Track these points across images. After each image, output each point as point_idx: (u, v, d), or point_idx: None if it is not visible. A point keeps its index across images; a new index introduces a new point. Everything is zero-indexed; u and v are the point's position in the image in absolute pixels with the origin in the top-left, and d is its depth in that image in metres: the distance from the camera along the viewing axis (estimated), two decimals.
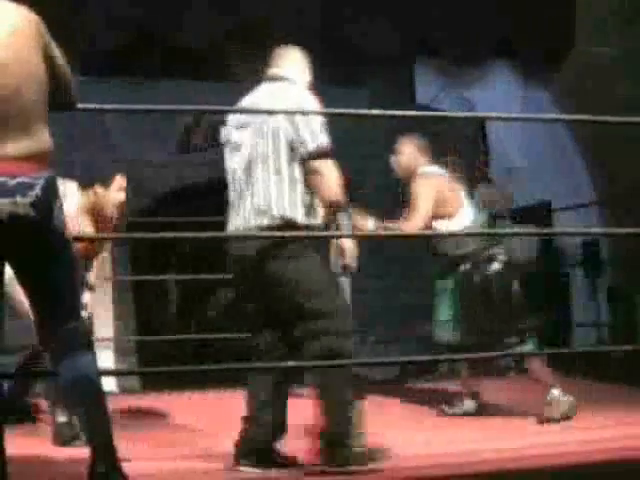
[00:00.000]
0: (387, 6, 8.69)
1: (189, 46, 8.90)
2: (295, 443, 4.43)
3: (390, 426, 5.11)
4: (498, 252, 6.13)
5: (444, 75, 9.76)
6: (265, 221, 4.33)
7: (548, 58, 9.35)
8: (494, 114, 7.94)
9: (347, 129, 8.42)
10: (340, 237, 4.33)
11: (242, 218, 4.39)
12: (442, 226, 5.97)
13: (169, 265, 10.74)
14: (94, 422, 3.42)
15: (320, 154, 4.34)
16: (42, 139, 3.38)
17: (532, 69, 9.78)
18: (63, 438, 5.14)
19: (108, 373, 6.87)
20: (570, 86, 9.19)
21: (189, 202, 9.59)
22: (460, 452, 4.47)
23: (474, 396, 6.17)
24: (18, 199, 3.28)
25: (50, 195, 3.36)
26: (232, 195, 4.47)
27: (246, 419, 4.41)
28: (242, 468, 4.30)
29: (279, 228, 4.31)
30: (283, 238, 4.28)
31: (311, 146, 4.34)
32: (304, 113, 4.37)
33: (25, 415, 5.69)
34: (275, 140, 4.37)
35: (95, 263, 5.70)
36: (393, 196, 6.72)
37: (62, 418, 5.18)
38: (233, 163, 4.47)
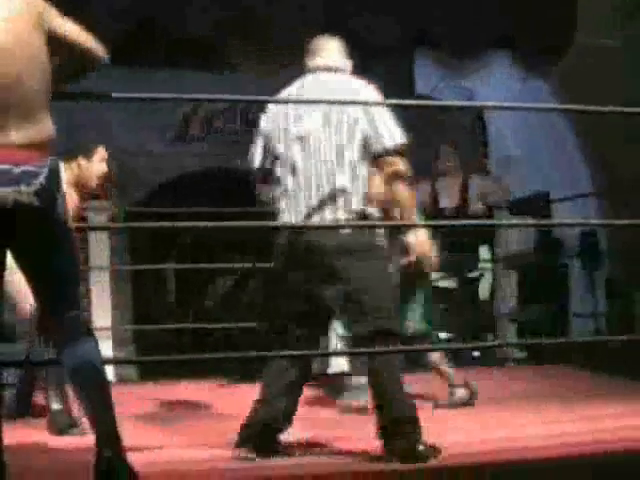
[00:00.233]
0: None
1: (190, 37, 8.91)
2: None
3: None
4: None
5: (444, 66, 9.76)
6: (343, 214, 4.27)
7: (548, 50, 9.35)
8: (492, 103, 7.93)
9: None
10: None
11: (308, 209, 4.28)
12: None
13: (167, 255, 10.73)
14: (98, 409, 3.42)
15: (397, 150, 4.35)
16: (45, 126, 3.37)
17: (532, 61, 9.78)
18: (58, 426, 5.14)
19: (106, 362, 6.86)
20: (569, 78, 9.19)
21: (187, 192, 9.58)
22: (456, 443, 4.46)
23: (466, 386, 6.14)
24: (22, 188, 3.27)
25: (53, 184, 3.35)
26: (290, 186, 4.32)
27: (258, 402, 4.37)
28: (241, 453, 4.28)
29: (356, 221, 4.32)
30: (354, 229, 4.27)
31: (389, 142, 4.33)
32: (306, 102, 4.37)
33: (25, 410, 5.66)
34: (351, 133, 4.32)
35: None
36: None
37: (56, 406, 5.17)
38: (294, 154, 4.33)
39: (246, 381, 7.26)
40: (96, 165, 5.50)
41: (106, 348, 8.17)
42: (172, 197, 9.41)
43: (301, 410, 4.43)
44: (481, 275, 9.58)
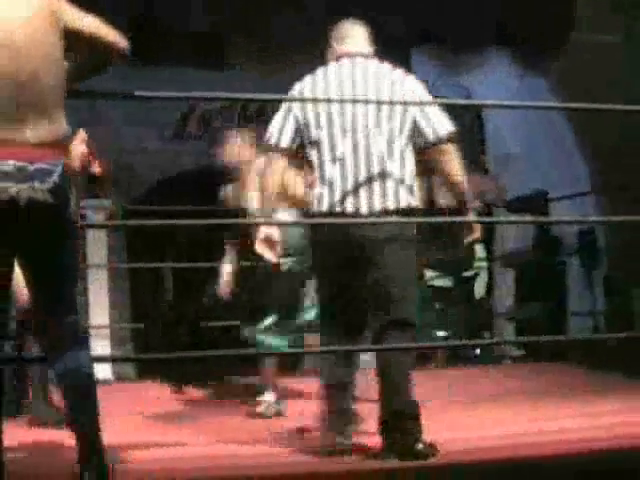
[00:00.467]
0: None
1: (191, 34, 8.92)
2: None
3: None
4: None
5: (441, 63, 9.77)
6: (392, 205, 4.23)
7: (546, 47, 9.34)
8: (491, 101, 7.93)
9: None
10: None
11: (353, 200, 4.22)
12: None
13: (165, 253, 10.72)
14: (85, 417, 3.40)
15: (450, 139, 4.35)
16: (60, 125, 3.38)
17: (530, 57, 9.77)
18: (42, 420, 5.17)
19: (104, 360, 6.87)
20: (568, 75, 9.19)
21: (185, 189, 9.58)
22: (454, 440, 4.46)
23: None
24: (37, 185, 3.27)
25: (66, 182, 3.36)
26: (333, 174, 4.24)
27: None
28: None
29: (404, 213, 4.26)
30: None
31: (442, 131, 4.33)
32: (306, 100, 4.35)
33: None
34: (403, 122, 4.29)
35: None
36: None
37: (40, 399, 5.21)
38: (338, 142, 4.25)
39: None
40: (77, 147, 5.52)
41: (104, 346, 8.18)
42: (170, 195, 9.39)
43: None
44: (477, 274, 9.58)
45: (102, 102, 8.42)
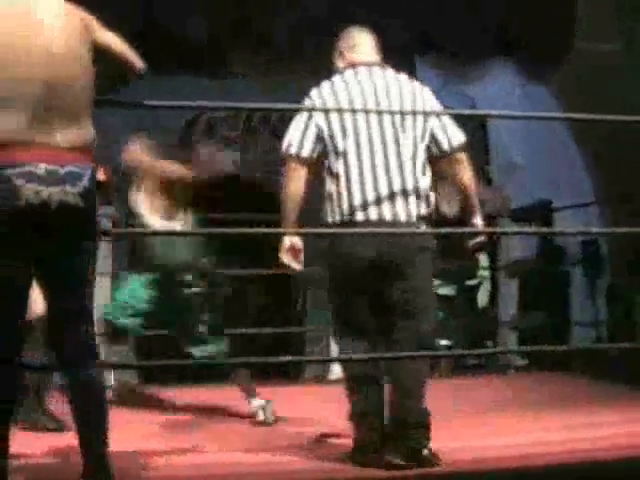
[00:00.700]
0: (389, 1, 8.69)
1: (192, 43, 8.92)
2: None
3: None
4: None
5: (445, 72, 9.77)
6: (415, 215, 4.27)
7: (549, 55, 9.35)
8: (496, 112, 7.93)
9: None
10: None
11: (378, 209, 4.23)
12: None
13: None
14: (93, 431, 3.39)
15: (462, 148, 4.40)
16: (88, 131, 3.40)
17: (533, 66, 9.77)
18: (38, 426, 5.18)
19: (106, 366, 6.87)
20: (570, 83, 9.19)
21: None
22: (456, 449, 4.46)
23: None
24: (68, 188, 3.28)
25: (94, 187, 3.37)
26: (361, 186, 4.23)
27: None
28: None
29: (428, 221, 4.33)
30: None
31: (456, 141, 4.37)
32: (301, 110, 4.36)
33: None
34: (423, 132, 4.33)
35: None
36: None
37: (36, 406, 5.23)
38: (363, 152, 4.24)
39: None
40: None
41: (106, 353, 8.17)
42: None
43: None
44: (480, 283, 9.57)
45: (103, 109, 8.42)
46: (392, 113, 4.29)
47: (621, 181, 8.99)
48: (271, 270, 10.01)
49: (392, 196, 4.23)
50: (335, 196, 4.28)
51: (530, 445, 4.57)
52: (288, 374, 9.31)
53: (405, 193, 4.25)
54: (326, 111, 4.31)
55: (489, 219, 9.19)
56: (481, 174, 9.82)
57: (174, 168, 6.26)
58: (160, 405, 6.63)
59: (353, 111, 4.28)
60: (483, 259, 9.43)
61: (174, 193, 6.22)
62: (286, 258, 4.37)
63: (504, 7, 9.12)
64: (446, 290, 8.80)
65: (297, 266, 4.38)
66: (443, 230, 4.55)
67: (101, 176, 6.72)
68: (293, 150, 4.31)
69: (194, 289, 6.14)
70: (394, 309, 4.28)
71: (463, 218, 4.62)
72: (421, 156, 4.32)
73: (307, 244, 4.45)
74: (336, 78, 4.42)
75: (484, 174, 10.12)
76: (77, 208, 3.31)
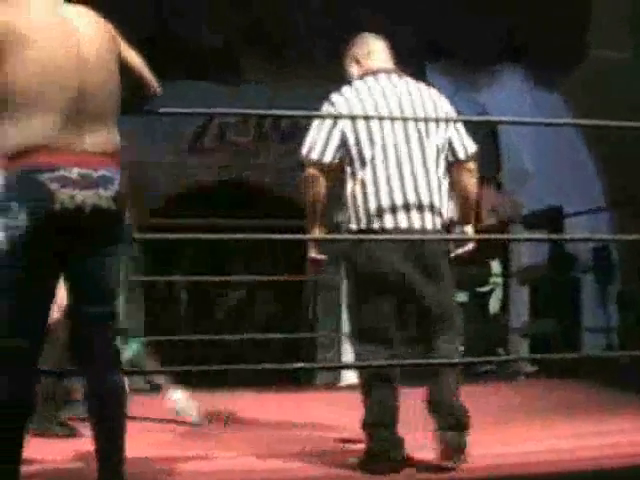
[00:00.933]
0: (398, 8, 8.69)
1: (204, 49, 8.94)
2: None
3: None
4: None
5: (456, 79, 9.76)
6: (439, 221, 4.32)
7: (560, 62, 9.34)
8: (509, 118, 7.93)
9: None
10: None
11: (406, 217, 4.25)
12: None
13: (179, 266, 10.75)
14: (112, 441, 3.38)
15: (475, 157, 4.44)
16: (116, 136, 3.42)
17: (544, 72, 9.77)
18: (49, 433, 5.20)
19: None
20: (580, 90, 9.19)
21: (200, 203, 9.61)
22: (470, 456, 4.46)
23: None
24: (101, 192, 3.29)
25: (124, 191, 3.38)
26: (389, 193, 4.24)
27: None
28: None
29: (447, 229, 4.38)
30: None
31: (471, 149, 4.42)
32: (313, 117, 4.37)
33: None
34: (444, 139, 4.36)
35: None
36: None
37: (46, 410, 5.24)
38: (392, 160, 4.27)
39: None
40: None
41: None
42: (185, 208, 9.43)
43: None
44: (492, 289, 9.58)
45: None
46: (418, 120, 4.31)
47: (631, 187, 8.98)
48: (283, 276, 10.14)
49: (419, 204, 4.26)
50: (361, 203, 4.28)
51: (540, 453, 4.57)
52: (299, 380, 9.33)
53: (431, 201, 4.29)
54: (352, 118, 4.30)
55: (501, 225, 9.23)
56: (492, 181, 9.84)
57: None
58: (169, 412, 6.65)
59: (380, 118, 4.29)
60: (495, 266, 9.44)
61: None
62: (314, 253, 4.44)
63: (514, 14, 9.11)
64: (457, 296, 8.81)
65: (323, 257, 4.43)
66: (454, 236, 4.53)
67: None
68: (315, 155, 4.30)
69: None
70: (424, 314, 4.34)
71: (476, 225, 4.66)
72: (442, 164, 4.36)
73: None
74: (358, 84, 4.41)
75: (495, 181, 10.13)
76: (110, 212, 3.32)
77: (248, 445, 5.09)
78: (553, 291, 9.41)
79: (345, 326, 9.28)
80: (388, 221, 4.24)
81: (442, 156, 4.37)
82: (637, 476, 4.11)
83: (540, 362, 8.94)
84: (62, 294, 3.51)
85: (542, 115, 9.16)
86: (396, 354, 4.34)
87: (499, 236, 9.03)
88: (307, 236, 4.47)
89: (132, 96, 3.56)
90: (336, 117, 4.31)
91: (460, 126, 4.43)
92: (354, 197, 4.29)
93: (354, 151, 4.27)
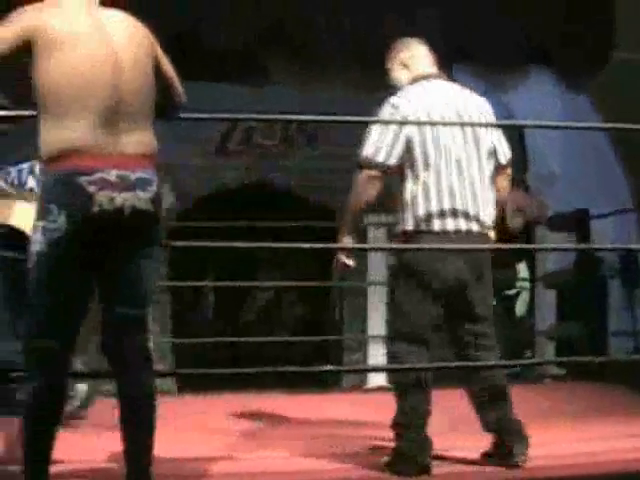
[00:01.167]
0: (424, 11, 8.70)
1: (229, 50, 8.95)
2: None
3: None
4: None
5: (482, 80, 9.74)
6: (488, 224, 4.42)
7: (587, 64, 9.32)
8: (532, 122, 7.92)
9: None
10: None
11: (465, 220, 4.32)
12: None
13: (206, 268, 10.78)
14: (141, 443, 3.39)
15: (511, 162, 4.56)
16: (152, 138, 3.44)
17: (571, 75, 9.74)
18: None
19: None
20: (607, 92, 9.16)
21: (227, 206, 9.63)
22: None
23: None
24: (139, 193, 3.31)
25: (161, 193, 3.40)
26: (451, 197, 4.32)
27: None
28: None
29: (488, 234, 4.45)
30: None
31: (508, 154, 4.54)
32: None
33: None
34: (488, 145, 4.44)
35: None
36: None
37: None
38: (454, 165, 4.33)
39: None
40: None
41: None
42: (212, 210, 9.45)
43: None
44: (518, 292, 9.56)
45: None
46: (473, 125, 4.41)
47: None
48: (310, 279, 10.15)
49: (477, 208, 4.35)
50: (422, 204, 4.32)
51: (569, 455, 4.56)
52: (326, 382, 9.35)
53: (484, 205, 4.38)
54: (401, 123, 4.34)
55: (528, 226, 9.20)
56: (519, 182, 9.82)
57: None
58: (197, 412, 6.67)
59: (429, 124, 4.35)
60: (522, 269, 9.42)
61: None
62: (343, 256, 4.46)
63: (542, 15, 9.10)
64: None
65: (352, 263, 4.46)
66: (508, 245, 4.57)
67: None
68: (381, 158, 4.33)
69: None
70: (470, 318, 4.41)
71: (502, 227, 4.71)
72: (489, 169, 4.45)
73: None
74: (414, 89, 4.47)
75: (522, 182, 10.10)
76: (149, 213, 3.34)
77: (274, 445, 5.11)
78: (579, 294, 9.37)
79: (372, 329, 9.30)
80: (449, 223, 4.31)
81: (491, 161, 4.45)
82: None
83: (567, 365, 8.91)
84: None
85: (570, 117, 9.14)
86: (434, 356, 4.39)
87: (532, 246, 9.02)
88: (359, 245, 4.52)
89: (160, 102, 3.58)
90: (378, 121, 4.38)
91: (502, 135, 4.53)
92: (414, 199, 4.33)
93: (418, 153, 4.32)
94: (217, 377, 6.97)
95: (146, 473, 3.37)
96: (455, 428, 5.07)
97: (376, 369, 9.36)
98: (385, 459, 4.36)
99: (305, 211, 9.88)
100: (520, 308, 9.60)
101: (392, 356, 4.46)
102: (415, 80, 4.50)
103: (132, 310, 3.42)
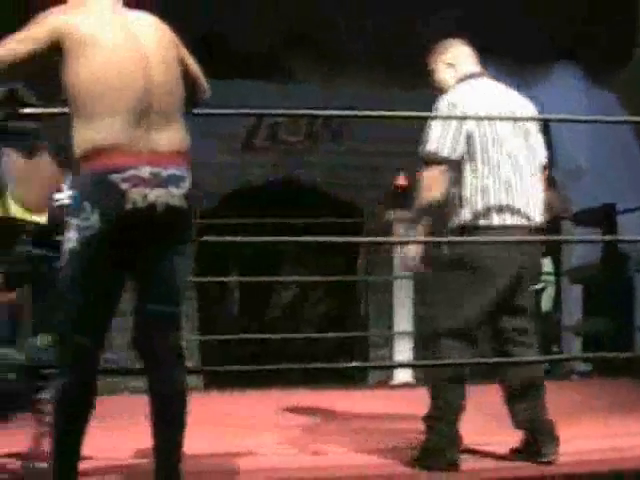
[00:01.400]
0: (448, 6, 8.69)
1: (253, 48, 8.98)
2: None
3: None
4: None
5: (508, 75, 9.72)
6: (540, 221, 4.47)
7: (611, 58, 9.30)
8: (556, 116, 7.89)
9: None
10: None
11: (520, 215, 4.37)
12: None
13: (232, 264, 10.80)
14: (172, 440, 3.39)
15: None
16: (184, 135, 3.44)
17: (596, 69, 9.72)
18: None
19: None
20: (632, 87, 9.13)
21: (252, 202, 9.65)
22: None
23: None
24: (172, 190, 3.31)
25: (191, 190, 3.40)
26: (507, 192, 4.35)
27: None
28: None
29: (541, 229, 4.50)
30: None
31: (546, 152, 4.61)
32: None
33: None
34: (536, 143, 4.54)
35: None
36: None
37: None
38: (509, 161, 4.39)
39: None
40: None
41: None
42: (238, 207, 9.47)
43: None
44: (544, 287, 9.52)
45: None
46: (524, 120, 4.49)
47: None
48: (335, 275, 10.16)
49: (531, 204, 4.41)
50: (481, 199, 4.35)
51: (595, 452, 4.55)
52: (353, 378, 9.36)
53: (538, 201, 4.46)
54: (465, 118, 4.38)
55: (553, 221, 9.16)
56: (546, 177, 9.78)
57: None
58: (223, 408, 6.70)
59: (516, 119, 4.46)
60: (547, 264, 9.38)
61: None
62: (411, 265, 4.50)
63: (566, 10, 9.08)
64: None
65: (422, 269, 4.50)
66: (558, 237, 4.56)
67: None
68: (446, 152, 4.35)
69: None
70: (516, 311, 4.45)
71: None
72: (537, 166, 4.51)
73: None
74: (464, 87, 4.49)
75: (549, 177, 10.07)
76: (181, 210, 3.33)
77: (302, 441, 5.13)
78: (605, 289, 9.34)
79: (398, 324, 9.30)
80: (508, 219, 4.34)
81: (537, 159, 4.52)
82: None
83: (593, 361, 8.89)
84: None
85: (596, 112, 9.10)
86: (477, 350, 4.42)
87: (565, 237, 8.97)
88: (391, 238, 4.50)
89: (186, 97, 3.60)
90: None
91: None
92: (474, 194, 4.36)
93: (478, 149, 4.35)
94: (243, 374, 7.00)
95: (176, 470, 3.37)
96: (486, 424, 5.07)
97: (402, 365, 9.38)
98: (414, 454, 4.37)
99: (330, 208, 9.89)
100: (546, 303, 9.57)
101: (434, 352, 4.40)
102: (462, 79, 4.54)
103: (165, 307, 3.42)
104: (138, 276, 3.42)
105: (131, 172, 3.24)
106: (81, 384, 3.36)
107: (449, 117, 4.34)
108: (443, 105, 4.41)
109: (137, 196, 3.24)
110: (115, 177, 3.22)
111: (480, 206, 4.33)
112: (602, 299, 9.28)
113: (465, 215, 4.36)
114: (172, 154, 3.35)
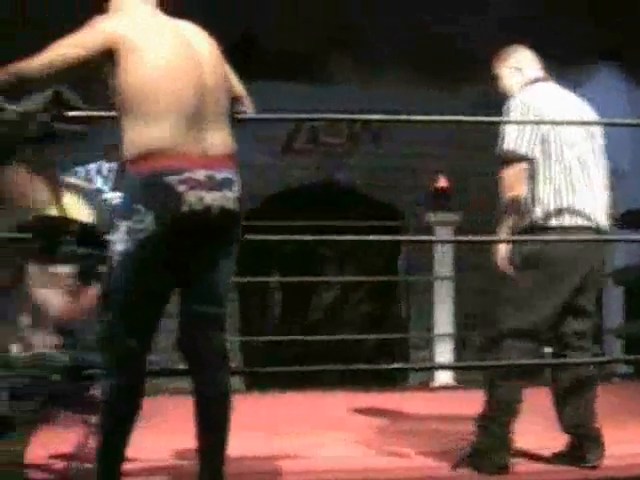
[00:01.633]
0: (488, 6, 8.68)
1: (291, 49, 9.00)
2: None
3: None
4: None
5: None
6: (608, 223, 4.52)
7: None
8: (622, 120, 7.86)
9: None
10: None
11: (591, 217, 4.40)
12: None
13: (273, 266, 10.82)
14: (217, 444, 3.39)
15: None
16: (232, 139, 3.45)
17: (637, 71, 9.67)
18: None
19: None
20: None
21: (293, 204, 9.67)
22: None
23: None
24: (227, 193, 3.33)
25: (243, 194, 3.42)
26: (578, 193, 4.38)
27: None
28: None
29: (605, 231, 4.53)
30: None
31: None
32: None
33: None
34: (601, 146, 4.59)
35: None
36: None
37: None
38: (578, 162, 4.43)
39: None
40: None
41: None
42: (279, 209, 9.49)
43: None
44: None
45: None
46: (606, 124, 4.69)
47: None
48: (375, 277, 10.16)
49: (600, 206, 4.46)
50: (553, 200, 4.37)
51: (638, 455, 4.54)
52: (394, 380, 9.35)
53: (603, 203, 4.50)
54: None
55: None
56: None
57: None
58: (265, 410, 6.71)
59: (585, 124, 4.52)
60: None
61: None
62: (502, 265, 4.45)
63: (608, 12, 9.04)
64: None
65: (512, 271, 4.44)
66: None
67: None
68: (523, 150, 4.37)
69: None
70: (580, 314, 4.46)
71: None
72: (603, 168, 4.56)
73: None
74: (533, 91, 4.51)
75: None
76: (235, 213, 3.36)
77: (343, 442, 5.14)
78: None
79: (439, 325, 9.28)
80: (579, 220, 4.38)
81: (601, 161, 4.57)
82: None
83: (635, 363, 8.83)
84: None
85: (638, 114, 9.04)
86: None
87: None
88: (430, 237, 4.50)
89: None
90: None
91: None
92: (546, 194, 4.38)
93: (553, 149, 4.38)
94: (284, 375, 7.01)
95: (219, 472, 3.38)
96: (537, 426, 5.05)
97: (444, 367, 9.35)
98: (464, 455, 4.36)
99: (370, 210, 9.89)
100: None
101: (498, 352, 4.37)
102: (528, 84, 4.58)
103: (212, 309, 3.44)
104: (187, 278, 3.42)
105: (187, 174, 3.25)
106: (129, 386, 3.38)
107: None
108: (515, 105, 4.44)
109: (193, 199, 3.24)
110: (171, 179, 3.23)
111: (552, 207, 4.35)
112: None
113: (537, 215, 4.37)
114: (224, 157, 3.37)
